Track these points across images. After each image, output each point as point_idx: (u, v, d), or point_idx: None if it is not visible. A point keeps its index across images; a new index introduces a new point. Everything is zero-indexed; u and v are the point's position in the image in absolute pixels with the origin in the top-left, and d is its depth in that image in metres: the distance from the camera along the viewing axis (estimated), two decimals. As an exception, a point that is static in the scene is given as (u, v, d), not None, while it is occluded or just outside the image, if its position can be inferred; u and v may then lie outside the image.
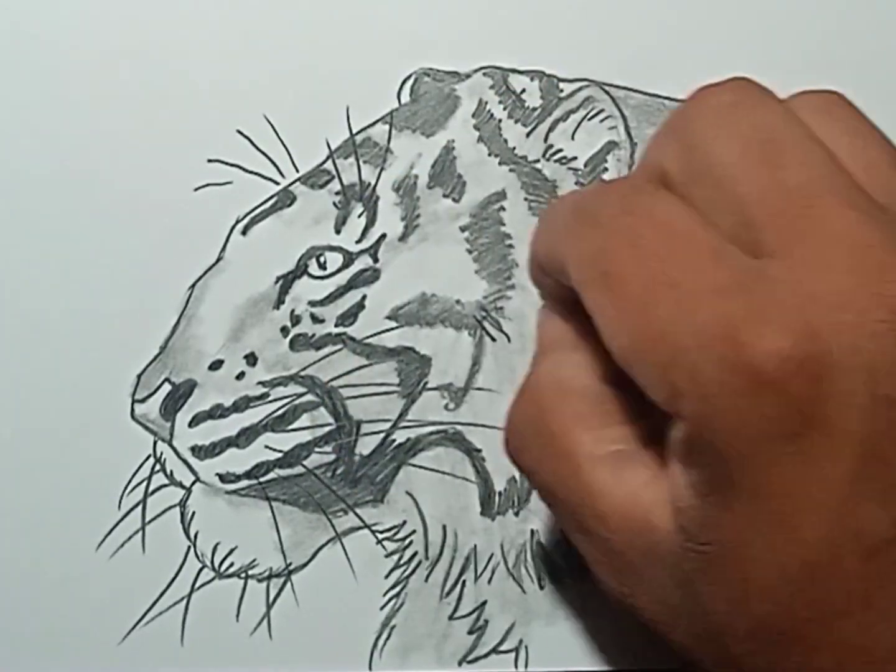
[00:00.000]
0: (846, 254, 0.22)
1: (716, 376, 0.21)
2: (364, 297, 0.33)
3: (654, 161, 0.26)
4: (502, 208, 0.33)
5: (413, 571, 0.33)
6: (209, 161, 0.33)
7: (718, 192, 0.24)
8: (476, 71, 0.34)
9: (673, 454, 0.23)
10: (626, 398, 0.25)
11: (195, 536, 0.33)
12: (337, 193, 0.34)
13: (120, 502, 0.33)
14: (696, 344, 0.22)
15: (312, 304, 0.33)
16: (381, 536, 0.33)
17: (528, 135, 0.34)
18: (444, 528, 0.33)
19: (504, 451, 0.28)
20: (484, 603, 0.33)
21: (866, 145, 0.25)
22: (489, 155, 0.34)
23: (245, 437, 0.33)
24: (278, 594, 0.33)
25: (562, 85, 0.34)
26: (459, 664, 0.33)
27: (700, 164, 0.24)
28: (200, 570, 0.33)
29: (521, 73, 0.34)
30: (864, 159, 0.24)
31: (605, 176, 0.34)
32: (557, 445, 0.26)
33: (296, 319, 0.33)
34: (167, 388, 0.33)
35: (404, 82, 0.34)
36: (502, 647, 0.33)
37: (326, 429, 0.33)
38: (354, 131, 0.34)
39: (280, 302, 0.33)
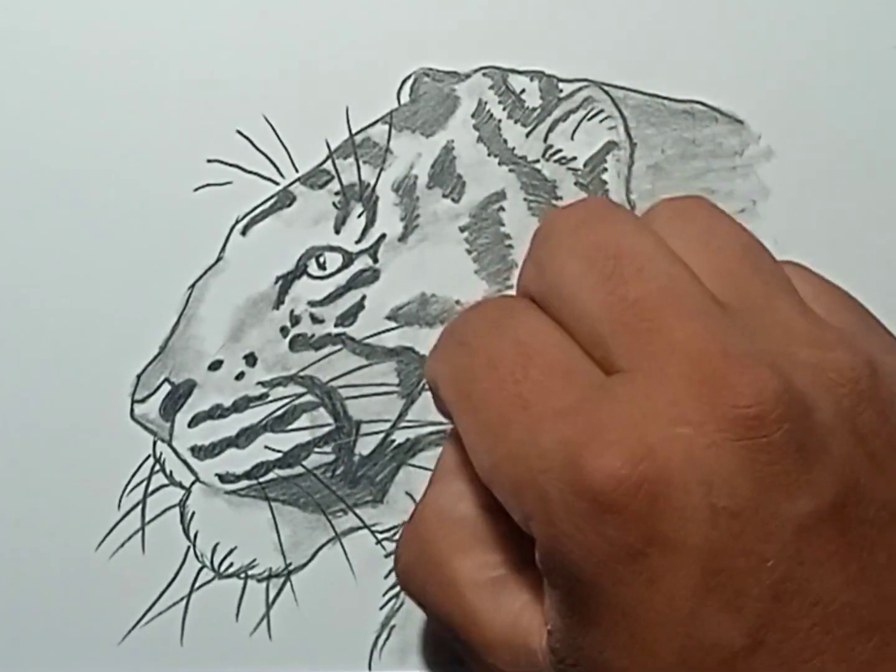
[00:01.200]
0: (684, 365, 0.22)
1: (560, 500, 0.21)
2: (364, 298, 0.33)
3: (521, 280, 0.26)
4: (502, 208, 0.33)
5: (413, 571, 0.33)
6: (209, 161, 0.33)
7: (569, 309, 0.24)
8: (476, 71, 0.34)
9: (542, 571, 0.23)
10: (505, 523, 0.25)
11: (195, 536, 0.33)
12: (336, 193, 0.34)
13: (119, 502, 0.33)
14: (543, 467, 0.22)
15: (312, 304, 0.33)
16: (380, 536, 0.33)
17: (527, 135, 0.34)
18: (444, 528, 0.33)
19: (399, 585, 0.29)
20: (483, 603, 0.33)
21: (720, 245, 0.25)
22: (489, 155, 0.34)
23: (245, 437, 0.33)
24: (278, 594, 0.33)
25: (561, 85, 0.34)
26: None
27: (551, 283, 0.24)
28: (200, 570, 0.33)
29: (520, 73, 0.34)
30: (715, 261, 0.24)
31: (605, 177, 0.34)
32: (440, 574, 0.26)
33: (295, 320, 0.33)
34: (167, 388, 0.33)
35: (404, 82, 0.34)
36: (502, 647, 0.33)
37: (326, 429, 0.33)
38: (354, 131, 0.34)
39: (280, 302, 0.33)
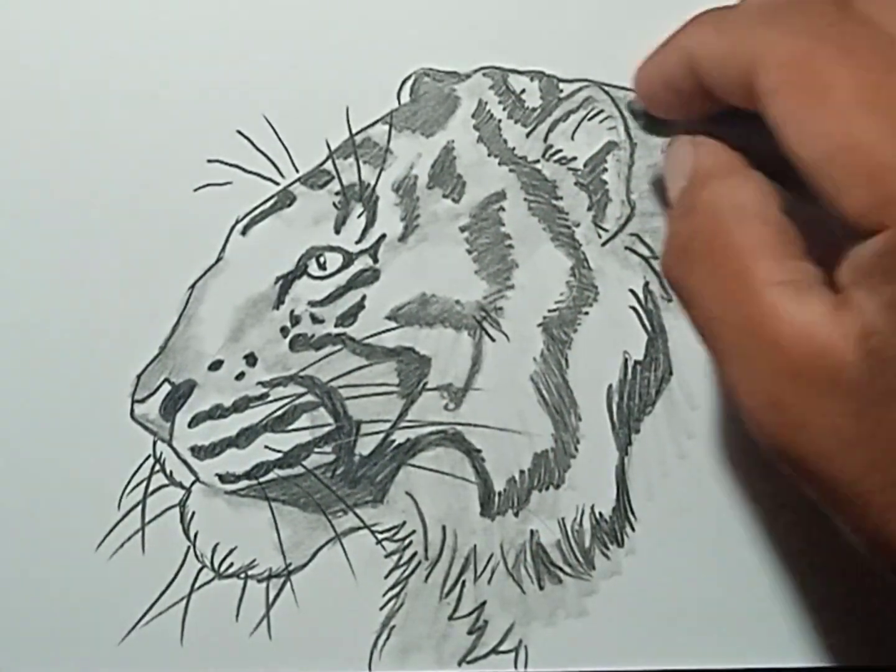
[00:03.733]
0: None
1: None
2: (364, 298, 0.33)
3: None
4: (502, 209, 0.33)
5: (413, 572, 0.33)
6: (209, 161, 0.33)
7: None
8: (476, 71, 0.34)
9: (862, 277, 0.23)
10: (800, 237, 0.25)
11: (195, 537, 0.33)
12: (337, 194, 0.34)
13: (120, 502, 0.33)
14: None
15: (312, 304, 0.33)
16: (380, 537, 0.33)
17: (527, 135, 0.34)
18: (444, 528, 0.33)
19: (662, 273, 0.28)
20: (483, 603, 0.33)
21: None
22: (489, 155, 0.34)
23: (245, 437, 0.33)
24: (278, 594, 0.33)
25: (561, 85, 0.34)
26: (459, 664, 0.33)
27: None
28: (200, 570, 0.33)
29: (520, 73, 0.34)
30: None
31: (605, 177, 0.34)
32: (735, 267, 0.25)
33: (295, 320, 0.33)
34: (167, 388, 0.33)
35: (404, 82, 0.34)
36: (502, 648, 0.33)
37: (326, 429, 0.33)
38: (354, 131, 0.34)
39: (280, 302, 0.33)
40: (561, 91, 0.34)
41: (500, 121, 0.34)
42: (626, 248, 0.33)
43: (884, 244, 0.22)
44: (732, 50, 0.26)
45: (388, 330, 0.33)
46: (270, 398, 0.33)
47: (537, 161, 0.34)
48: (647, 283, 0.33)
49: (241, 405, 0.33)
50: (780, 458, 0.26)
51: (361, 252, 0.33)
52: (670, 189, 0.29)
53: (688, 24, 0.28)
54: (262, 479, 0.33)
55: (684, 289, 0.27)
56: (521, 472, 0.33)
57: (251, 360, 0.33)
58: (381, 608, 0.33)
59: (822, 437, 0.24)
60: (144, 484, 0.33)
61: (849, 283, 0.24)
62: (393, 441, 0.33)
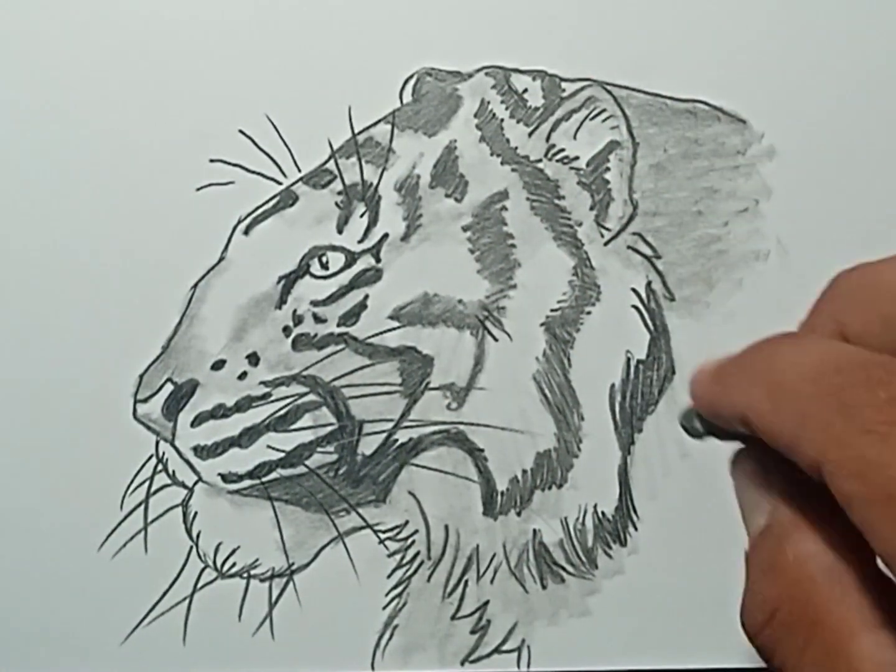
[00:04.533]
0: None
1: None
2: (366, 297, 0.33)
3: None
4: (504, 208, 0.33)
5: (415, 571, 0.33)
6: (211, 161, 0.33)
7: None
8: (478, 70, 0.34)
9: None
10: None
11: (197, 536, 0.33)
12: (339, 193, 0.34)
13: (122, 502, 0.33)
14: None
15: (315, 303, 0.33)
16: (383, 536, 0.33)
17: (530, 134, 0.34)
18: (447, 527, 0.33)
19: (746, 633, 0.24)
20: (486, 603, 0.33)
21: None
22: (491, 155, 0.34)
23: (247, 436, 0.33)
24: (280, 594, 0.33)
25: (564, 84, 0.34)
26: (462, 664, 0.33)
27: None
28: (203, 570, 0.33)
29: (523, 72, 0.34)
30: None
31: (608, 176, 0.34)
32: (834, 642, 0.23)
33: (298, 319, 0.33)
34: (169, 387, 0.33)
35: (406, 82, 0.34)
36: (505, 647, 0.33)
37: (329, 429, 0.33)
38: (356, 131, 0.34)
39: (282, 302, 0.33)
40: (563, 90, 0.34)
41: (502, 120, 0.34)
42: (629, 247, 0.33)
43: None
44: (795, 437, 0.23)
45: (390, 329, 0.33)
46: (273, 398, 0.33)
47: (540, 160, 0.34)
48: (649, 283, 0.33)
49: (243, 405, 0.33)
50: None
51: (364, 251, 0.33)
52: (745, 518, 0.27)
53: (735, 376, 0.25)
54: (264, 479, 0.33)
55: (777, 658, 0.25)
56: (524, 471, 0.33)
57: (254, 359, 0.33)
58: (384, 608, 0.33)
59: None
60: (147, 484, 0.33)
61: None
62: (395, 440, 0.33)
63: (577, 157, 0.34)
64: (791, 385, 0.23)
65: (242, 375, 0.33)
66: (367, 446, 0.33)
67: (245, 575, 0.33)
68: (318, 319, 0.33)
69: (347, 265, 0.33)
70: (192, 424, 0.33)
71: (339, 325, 0.33)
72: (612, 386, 0.33)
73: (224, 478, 0.33)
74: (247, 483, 0.33)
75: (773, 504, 0.25)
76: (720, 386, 0.24)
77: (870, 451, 0.21)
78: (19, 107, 0.34)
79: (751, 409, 0.24)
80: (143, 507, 0.33)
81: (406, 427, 0.33)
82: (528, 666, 0.33)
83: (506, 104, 0.34)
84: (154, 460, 0.33)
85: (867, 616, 0.23)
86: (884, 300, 0.23)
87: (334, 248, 0.33)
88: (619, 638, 0.33)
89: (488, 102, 0.34)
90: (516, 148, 0.34)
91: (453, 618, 0.33)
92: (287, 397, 0.33)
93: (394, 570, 0.33)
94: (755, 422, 0.24)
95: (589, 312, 0.33)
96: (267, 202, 0.34)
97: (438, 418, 0.33)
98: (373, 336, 0.33)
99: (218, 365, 0.33)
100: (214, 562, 0.33)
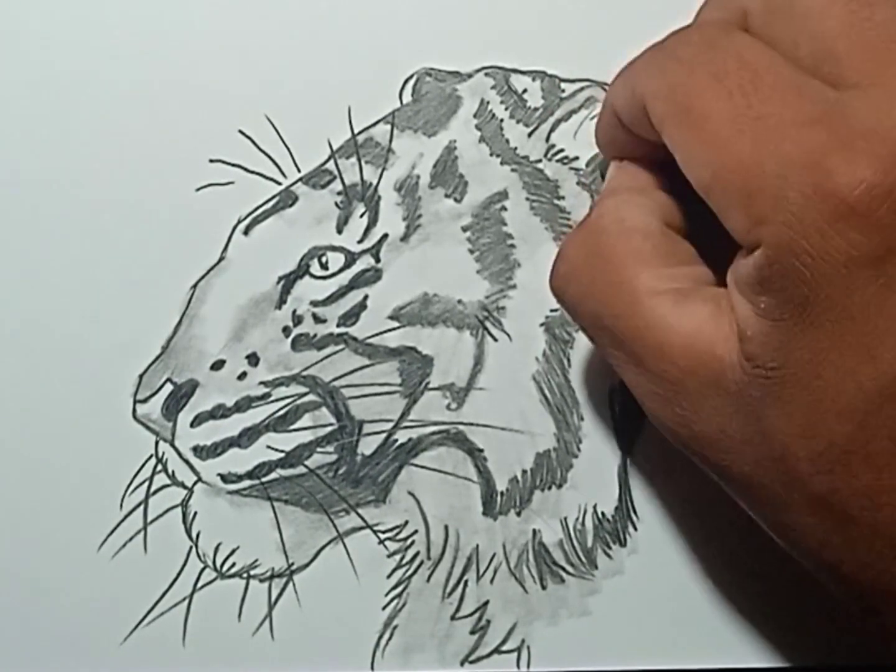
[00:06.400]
0: None
1: (801, 203, 0.22)
2: (366, 297, 0.33)
3: (733, 3, 0.27)
4: (504, 208, 0.33)
5: (415, 571, 0.33)
6: (211, 161, 0.33)
7: (801, 26, 0.24)
8: (478, 71, 0.34)
9: (739, 286, 0.24)
10: (686, 245, 0.27)
11: (197, 537, 0.33)
12: (339, 193, 0.34)
13: (122, 503, 0.33)
14: (782, 173, 0.23)
15: (314, 304, 0.33)
16: (383, 536, 0.33)
17: (529, 135, 0.34)
18: (446, 528, 0.33)
19: (550, 286, 0.29)
20: (486, 603, 0.33)
21: None
22: (491, 155, 0.34)
23: (247, 437, 0.33)
24: (280, 594, 0.33)
25: (563, 85, 0.34)
26: (461, 664, 0.33)
27: (783, 1, 0.25)
28: (202, 570, 0.33)
29: (522, 73, 0.34)
30: None
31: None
32: (616, 279, 0.26)
33: (298, 319, 0.33)
34: (169, 388, 0.33)
35: (406, 82, 0.34)
36: (504, 648, 0.33)
37: (328, 429, 0.33)
38: (356, 131, 0.34)
39: (282, 302, 0.33)
40: (563, 91, 0.34)
41: (502, 120, 0.34)
42: (629, 247, 0.33)
43: (759, 260, 0.23)
44: (632, 91, 0.27)
45: (390, 330, 0.33)
46: (272, 398, 0.33)
47: (539, 161, 0.34)
48: (649, 283, 0.33)
49: (243, 405, 0.33)
50: (686, 452, 0.27)
51: (363, 252, 0.33)
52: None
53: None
54: (264, 479, 0.33)
55: (570, 299, 0.28)
56: (524, 471, 0.33)
57: (253, 359, 0.33)
58: (384, 608, 0.33)
59: (714, 434, 0.25)
60: (146, 484, 0.33)
61: (731, 289, 0.25)
62: (395, 441, 0.33)
63: (576, 158, 0.34)
64: (636, 59, 0.28)
65: (242, 376, 0.33)
66: (367, 446, 0.33)
67: (245, 575, 0.33)
68: (317, 319, 0.33)
69: (347, 265, 0.33)
70: (192, 424, 0.33)
71: (338, 326, 0.33)
72: (612, 386, 0.33)
73: (224, 478, 0.33)
74: (246, 483, 0.33)
75: (607, 181, 0.30)
76: (625, 80, 0.28)
77: (674, 76, 0.25)
78: (17, 107, 0.34)
79: (613, 99, 0.29)
80: (142, 507, 0.33)
81: (406, 427, 0.33)
82: (528, 666, 0.33)
83: (505, 104, 0.34)
84: (153, 460, 0.33)
85: (649, 257, 0.27)
86: None
87: (334, 249, 0.33)
88: (619, 638, 0.33)
89: (488, 103, 0.34)
90: (516, 148, 0.34)
91: (453, 618, 0.33)
92: (287, 397, 0.33)
93: (393, 571, 0.33)
94: (616, 105, 0.28)
95: (589, 312, 0.33)
96: (267, 202, 0.34)
97: (438, 418, 0.33)
98: (372, 336, 0.33)
99: (217, 365, 0.33)
100: (214, 562, 0.33)
